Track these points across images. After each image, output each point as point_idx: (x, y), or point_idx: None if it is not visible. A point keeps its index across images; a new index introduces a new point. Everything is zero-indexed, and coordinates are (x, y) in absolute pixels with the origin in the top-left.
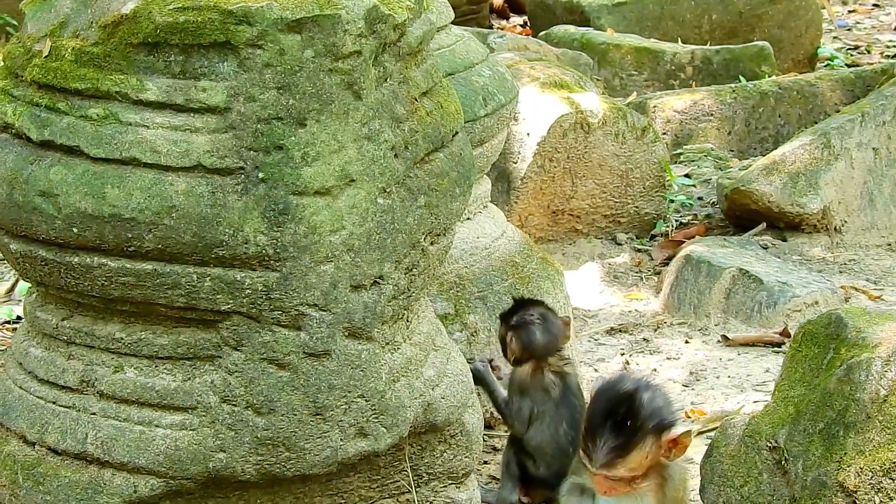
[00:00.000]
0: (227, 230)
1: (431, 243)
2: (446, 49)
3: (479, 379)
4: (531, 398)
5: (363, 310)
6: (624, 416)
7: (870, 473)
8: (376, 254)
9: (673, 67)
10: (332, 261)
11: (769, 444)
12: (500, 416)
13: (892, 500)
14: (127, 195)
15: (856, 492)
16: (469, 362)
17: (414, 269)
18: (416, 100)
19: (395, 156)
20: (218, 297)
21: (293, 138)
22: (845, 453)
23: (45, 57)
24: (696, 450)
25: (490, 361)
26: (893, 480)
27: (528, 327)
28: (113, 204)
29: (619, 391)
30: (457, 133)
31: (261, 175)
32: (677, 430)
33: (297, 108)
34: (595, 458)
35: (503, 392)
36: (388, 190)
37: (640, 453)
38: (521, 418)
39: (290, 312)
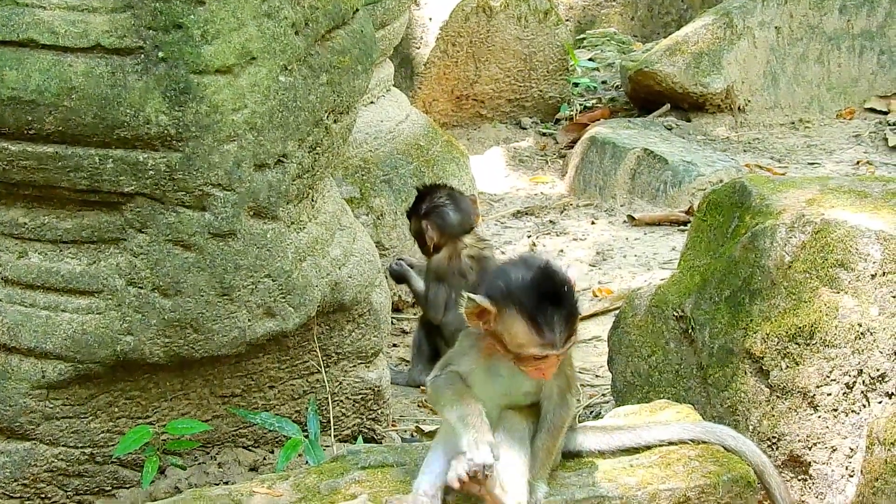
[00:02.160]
0: (128, 111)
1: (335, 121)
2: None
3: (400, 277)
4: (448, 284)
5: (268, 189)
6: (562, 291)
7: (776, 339)
8: (279, 132)
9: None
10: (234, 140)
11: (676, 314)
12: (417, 305)
13: (798, 364)
14: (26, 77)
15: (762, 357)
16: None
17: (318, 148)
18: None
19: (296, 33)
20: (121, 178)
21: (192, 16)
22: (751, 320)
23: None
24: (603, 326)
25: (402, 259)
26: (799, 345)
27: (440, 210)
28: (11, 87)
29: (546, 270)
30: (357, 10)
31: (161, 54)
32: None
33: None
34: (558, 340)
35: (421, 284)
36: (289, 67)
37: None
38: (435, 305)
39: (194, 193)
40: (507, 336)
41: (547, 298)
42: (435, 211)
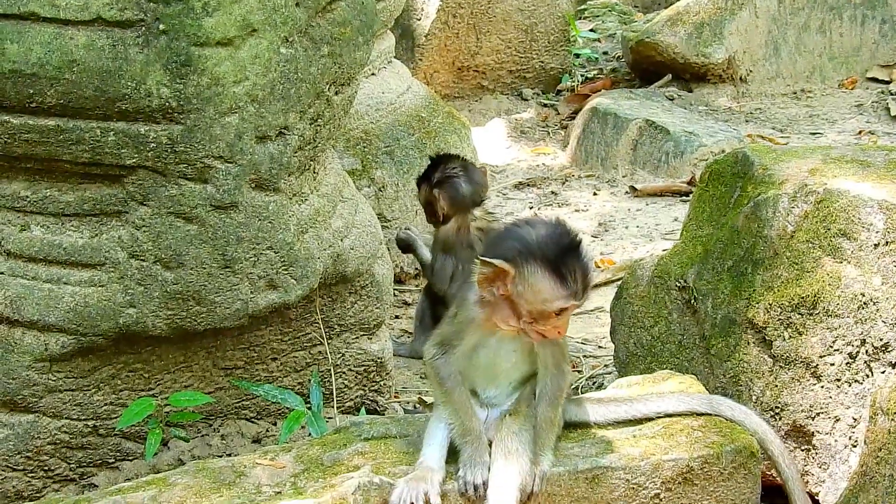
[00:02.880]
0: (129, 83)
1: (336, 93)
2: None
3: (407, 245)
4: (456, 255)
5: (269, 161)
6: (578, 242)
7: (779, 309)
8: (281, 104)
9: None
10: (236, 112)
11: (678, 284)
12: (422, 275)
13: (801, 334)
14: (27, 50)
15: (765, 328)
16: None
17: (319, 120)
18: None
19: (297, 4)
20: (122, 151)
21: None
22: (754, 290)
23: None
24: (605, 296)
25: (409, 228)
26: (802, 315)
27: (452, 181)
28: (13, 60)
29: (560, 225)
30: None
31: (162, 27)
32: None
33: None
34: (580, 289)
35: (428, 254)
36: (290, 39)
37: None
38: (442, 276)
39: (196, 165)
40: (530, 294)
41: (567, 250)
42: (448, 181)
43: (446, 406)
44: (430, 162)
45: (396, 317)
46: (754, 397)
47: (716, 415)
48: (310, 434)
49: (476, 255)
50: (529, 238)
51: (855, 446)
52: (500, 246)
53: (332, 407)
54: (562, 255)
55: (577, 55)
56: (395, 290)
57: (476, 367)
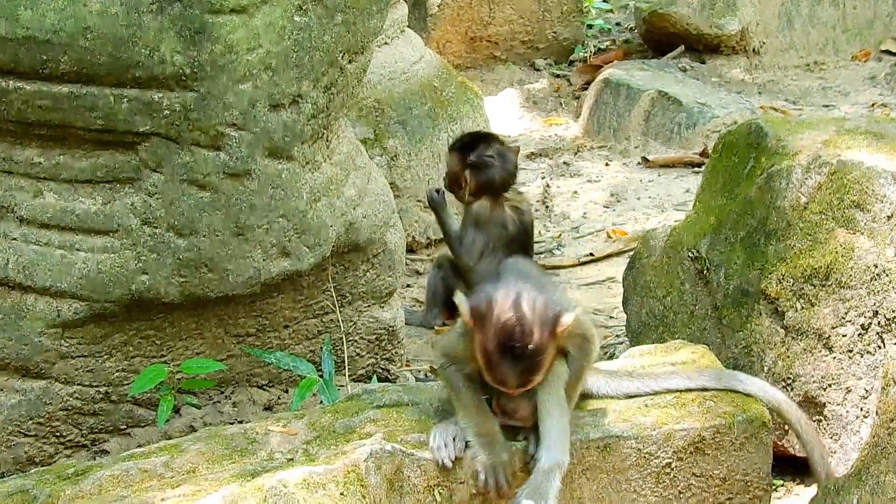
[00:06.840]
0: (143, 50)
1: (349, 61)
2: None
3: (433, 206)
4: (487, 232)
5: (282, 129)
6: (522, 344)
7: (791, 280)
8: (294, 72)
9: None
10: (249, 80)
11: (691, 255)
12: (444, 242)
13: (813, 305)
14: (41, 17)
15: (778, 298)
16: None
17: (332, 88)
18: None
19: None
20: (136, 118)
21: None
22: (767, 261)
23: None
24: (617, 267)
25: (438, 191)
26: (814, 286)
27: (486, 168)
28: (27, 26)
29: (506, 323)
30: None
31: None
32: (565, 318)
33: None
34: (510, 385)
35: (454, 223)
36: (304, 7)
37: (547, 360)
38: (471, 252)
39: (210, 132)
40: (475, 351)
41: (506, 351)
42: (481, 166)
43: (459, 409)
44: (468, 137)
45: (408, 286)
46: (766, 368)
47: (730, 390)
48: (321, 402)
49: (508, 234)
50: (490, 314)
51: (866, 417)
52: (479, 294)
53: (344, 375)
54: (499, 354)
55: (590, 26)
56: (407, 259)
57: None
